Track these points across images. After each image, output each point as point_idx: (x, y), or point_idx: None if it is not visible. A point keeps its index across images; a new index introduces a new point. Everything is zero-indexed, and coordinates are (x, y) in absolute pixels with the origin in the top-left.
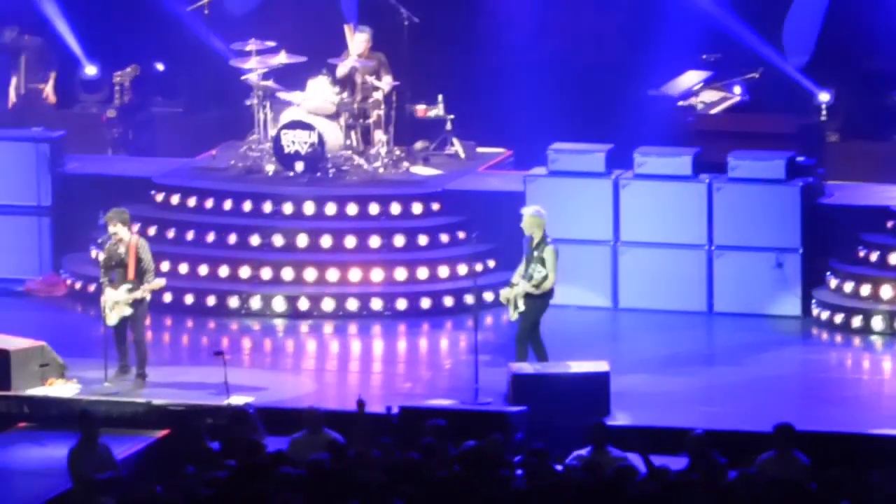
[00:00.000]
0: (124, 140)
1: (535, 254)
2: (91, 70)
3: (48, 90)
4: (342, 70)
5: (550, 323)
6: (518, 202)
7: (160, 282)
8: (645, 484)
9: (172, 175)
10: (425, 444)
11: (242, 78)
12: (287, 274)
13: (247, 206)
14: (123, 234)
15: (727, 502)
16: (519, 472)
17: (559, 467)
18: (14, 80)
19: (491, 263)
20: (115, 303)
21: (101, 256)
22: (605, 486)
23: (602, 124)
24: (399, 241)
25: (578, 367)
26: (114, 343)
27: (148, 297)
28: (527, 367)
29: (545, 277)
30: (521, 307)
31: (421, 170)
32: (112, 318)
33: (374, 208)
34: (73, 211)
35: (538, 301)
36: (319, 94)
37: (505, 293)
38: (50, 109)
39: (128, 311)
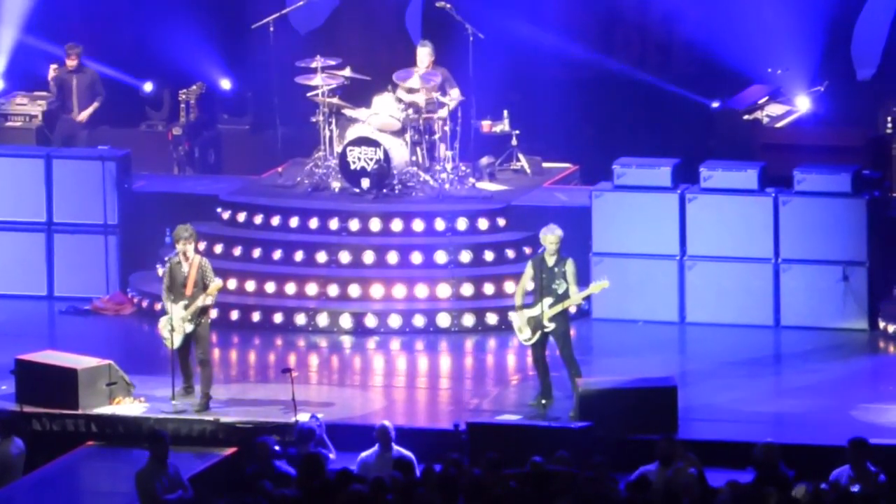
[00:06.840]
0: (190, 158)
1: (556, 270)
2: (147, 87)
3: (83, 115)
4: (404, 90)
5: (617, 337)
6: (584, 217)
7: (218, 283)
8: (704, 499)
9: (239, 192)
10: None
11: (308, 95)
12: (354, 290)
13: (313, 223)
14: (189, 253)
15: None
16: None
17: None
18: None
19: None
20: (180, 320)
21: (165, 277)
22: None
23: (668, 139)
24: (465, 256)
25: (645, 381)
26: (178, 363)
27: (211, 313)
28: (593, 382)
29: (566, 291)
30: (550, 326)
31: (487, 185)
32: (176, 341)
33: (440, 224)
34: (140, 229)
35: (565, 315)
36: (385, 110)
37: (529, 317)
38: (76, 125)
39: (189, 328)
